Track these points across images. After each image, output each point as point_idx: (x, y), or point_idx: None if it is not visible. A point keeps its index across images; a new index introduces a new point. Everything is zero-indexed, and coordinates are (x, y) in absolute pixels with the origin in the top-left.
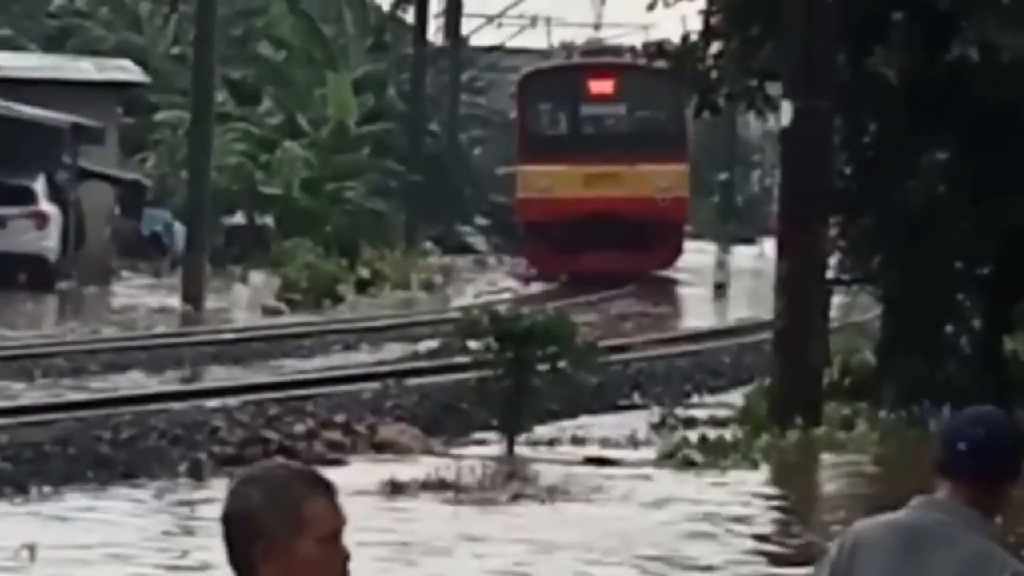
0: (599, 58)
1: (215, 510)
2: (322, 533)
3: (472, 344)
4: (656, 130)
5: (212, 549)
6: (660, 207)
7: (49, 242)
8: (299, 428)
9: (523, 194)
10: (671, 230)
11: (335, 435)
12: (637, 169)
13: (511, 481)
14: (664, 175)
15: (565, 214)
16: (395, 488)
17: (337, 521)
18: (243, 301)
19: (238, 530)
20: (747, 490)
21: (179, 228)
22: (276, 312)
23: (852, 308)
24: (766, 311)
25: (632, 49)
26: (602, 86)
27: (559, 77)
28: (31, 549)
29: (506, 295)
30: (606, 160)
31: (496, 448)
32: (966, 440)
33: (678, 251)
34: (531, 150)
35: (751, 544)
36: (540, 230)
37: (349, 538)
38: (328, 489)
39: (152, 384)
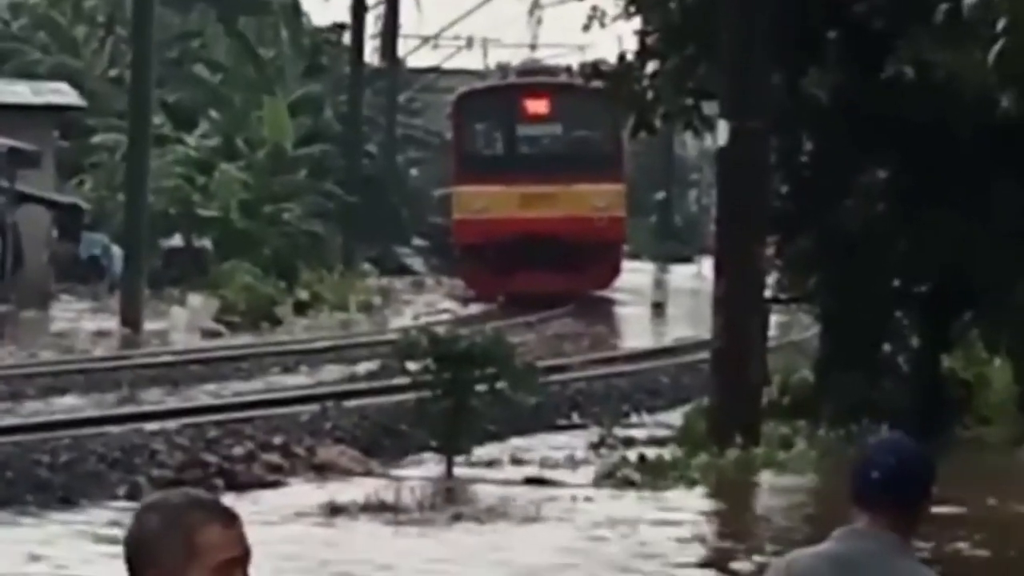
0: (534, 78)
1: None
2: (215, 562)
3: (411, 365)
4: (592, 150)
5: None
6: (597, 227)
7: None
8: (238, 451)
9: (459, 215)
10: (608, 250)
11: (274, 457)
12: (573, 189)
13: (451, 502)
14: (601, 195)
15: (501, 235)
16: (335, 510)
17: (234, 550)
18: (182, 323)
19: (135, 556)
20: (686, 510)
21: (117, 251)
22: (215, 334)
23: (791, 327)
24: (704, 331)
25: (568, 69)
26: (537, 106)
27: (494, 97)
28: None
29: (445, 316)
30: (542, 180)
31: (436, 469)
32: (879, 469)
33: (616, 271)
34: (466, 170)
35: (691, 564)
36: (476, 251)
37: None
38: (228, 517)
39: (91, 407)
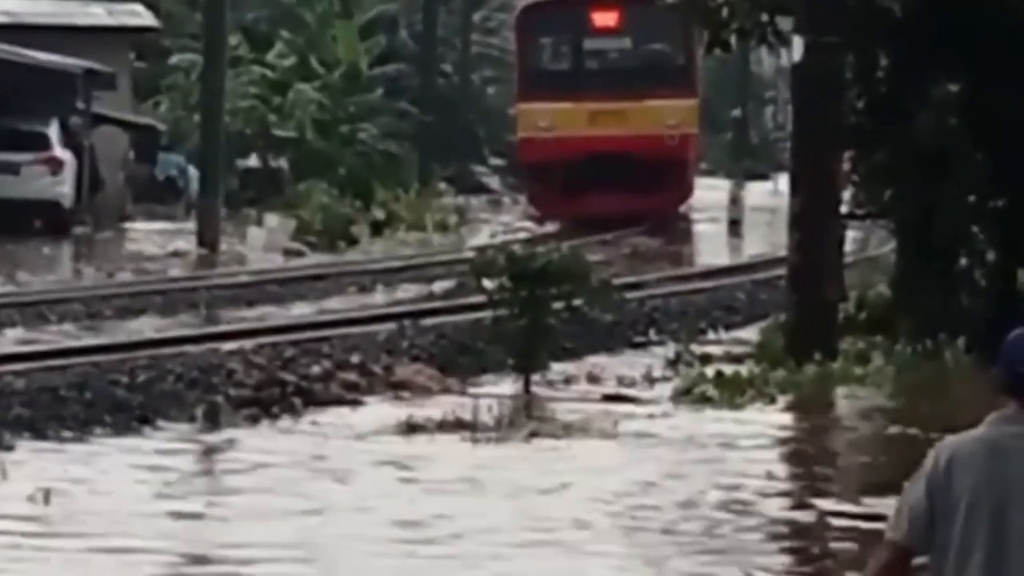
0: None
1: (234, 454)
2: None
3: (487, 283)
4: (663, 64)
5: (232, 494)
6: (668, 145)
7: (63, 188)
8: (315, 370)
9: (523, 133)
10: (681, 169)
11: (351, 376)
12: (644, 105)
13: (528, 420)
14: (672, 111)
15: (568, 154)
16: (412, 428)
17: None
18: (259, 244)
19: None
20: (765, 425)
21: (193, 172)
22: (298, 253)
23: (867, 243)
24: (781, 247)
25: None
26: (606, 18)
27: (560, 9)
28: (46, 493)
29: (521, 234)
30: (611, 96)
31: (513, 387)
32: (1022, 363)
33: (689, 191)
34: (531, 87)
35: (768, 478)
36: (542, 171)
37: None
38: None
39: (168, 327)
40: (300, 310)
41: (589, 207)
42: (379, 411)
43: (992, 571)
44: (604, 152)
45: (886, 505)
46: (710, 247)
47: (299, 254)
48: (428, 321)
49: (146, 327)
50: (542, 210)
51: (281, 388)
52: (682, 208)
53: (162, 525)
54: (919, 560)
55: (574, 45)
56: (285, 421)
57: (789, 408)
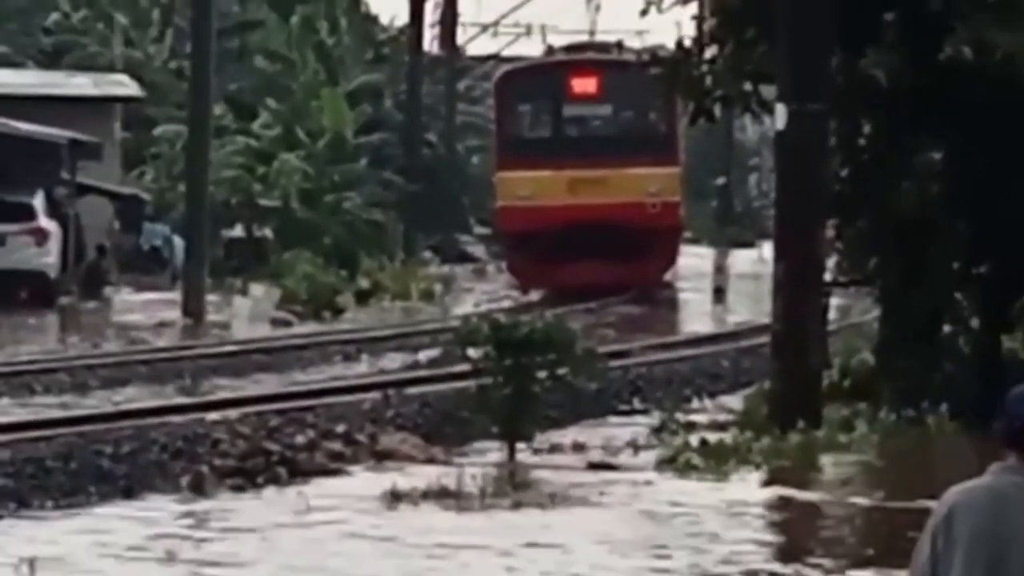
0: (582, 54)
1: (219, 523)
2: None
3: (472, 352)
4: (645, 131)
5: (218, 565)
6: (651, 213)
7: (49, 258)
8: (300, 439)
9: (503, 202)
10: (663, 238)
11: (336, 445)
12: (625, 173)
13: (513, 488)
14: (654, 179)
15: (549, 223)
16: (397, 497)
17: None
18: (244, 313)
19: None
20: (749, 494)
21: (179, 241)
22: (285, 323)
23: (850, 310)
24: (765, 315)
25: (618, 44)
26: (585, 84)
27: (539, 75)
28: (31, 564)
29: (506, 303)
30: (591, 164)
31: (498, 456)
32: (1021, 418)
33: (671, 260)
34: (510, 155)
35: (756, 546)
36: (522, 240)
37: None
38: None
39: (153, 398)
40: (285, 380)
41: (570, 277)
42: (363, 480)
43: None
44: (585, 221)
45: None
46: (695, 315)
47: (287, 324)
48: (413, 390)
49: (132, 397)
50: (522, 280)
51: (266, 458)
52: (667, 276)
53: None
54: None
55: (553, 112)
56: (270, 491)
57: (774, 476)
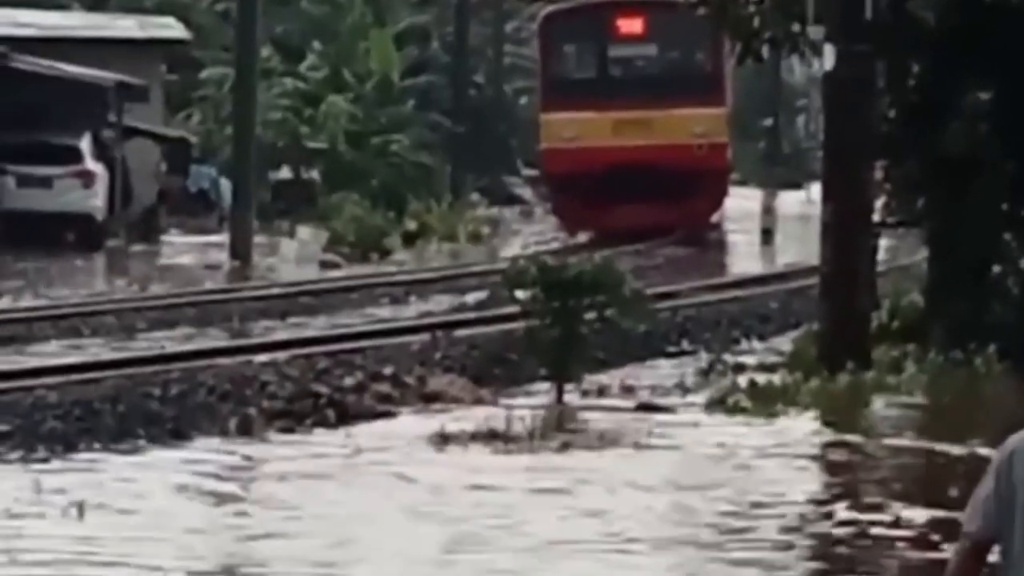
0: None
1: (267, 464)
2: None
3: (520, 294)
4: (690, 72)
5: (260, 511)
6: (697, 155)
7: (96, 201)
8: (348, 381)
9: (547, 144)
10: (710, 179)
11: (384, 387)
12: (671, 114)
13: (561, 430)
14: (701, 120)
15: (594, 165)
16: (445, 439)
17: None
18: (292, 256)
19: None
20: (798, 435)
21: (226, 184)
22: (334, 265)
23: (899, 251)
24: (813, 256)
25: None
26: (631, 25)
27: (584, 16)
28: (80, 507)
29: (554, 245)
30: (637, 105)
31: (546, 398)
32: None
33: (719, 202)
34: (555, 96)
35: (805, 487)
36: (567, 183)
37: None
38: None
39: (201, 340)
40: (333, 322)
41: (615, 220)
42: (412, 422)
43: None
44: (630, 163)
45: (924, 516)
46: (743, 256)
47: (335, 266)
48: (461, 332)
49: (179, 340)
50: (567, 223)
51: (314, 400)
52: (715, 218)
53: (193, 539)
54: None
55: (598, 53)
56: (318, 432)
57: (823, 417)
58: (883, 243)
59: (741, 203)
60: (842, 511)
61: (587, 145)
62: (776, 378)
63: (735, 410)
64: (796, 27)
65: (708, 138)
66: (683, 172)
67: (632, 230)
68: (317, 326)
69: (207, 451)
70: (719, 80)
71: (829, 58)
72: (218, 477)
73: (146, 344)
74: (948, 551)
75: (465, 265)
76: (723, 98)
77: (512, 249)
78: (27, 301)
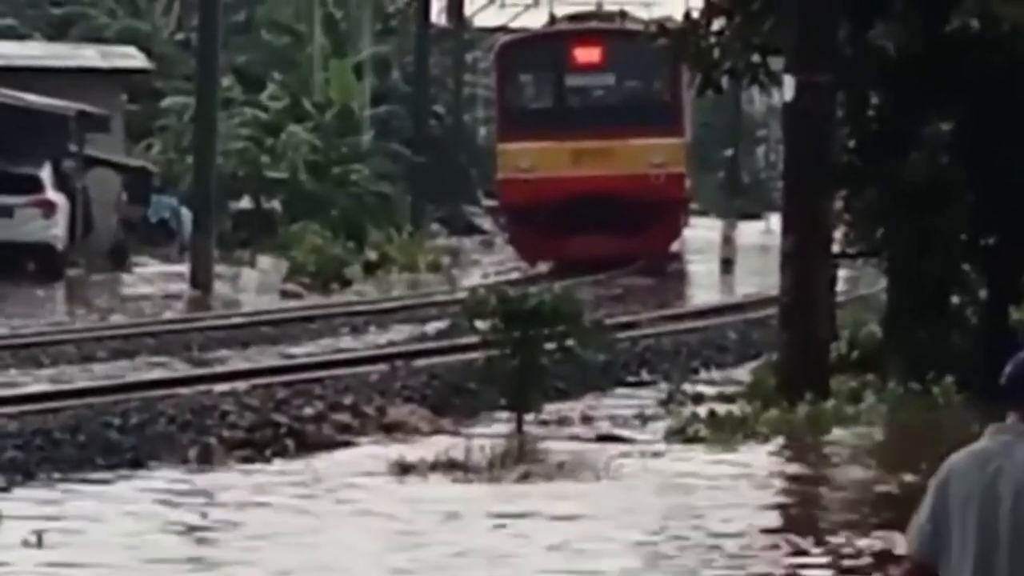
0: (585, 23)
1: (226, 494)
2: None
3: (480, 324)
4: (648, 101)
5: (221, 540)
6: (655, 185)
7: (56, 230)
8: (308, 411)
9: (504, 174)
10: (667, 210)
11: (344, 417)
12: (629, 144)
13: (520, 460)
14: (658, 150)
15: (551, 195)
16: (404, 469)
17: None
18: (252, 286)
19: None
20: (757, 465)
21: (186, 213)
22: (296, 295)
23: (858, 281)
24: (773, 286)
25: (621, 14)
26: (589, 54)
27: (541, 45)
28: (39, 536)
29: (514, 275)
30: (594, 135)
31: (506, 427)
32: (1008, 377)
33: (676, 232)
34: (511, 126)
35: (763, 517)
36: (524, 213)
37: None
38: None
39: (161, 370)
40: (293, 352)
41: (572, 250)
42: (371, 452)
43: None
44: (588, 193)
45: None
46: (702, 287)
47: (297, 296)
48: (421, 362)
49: (139, 369)
50: (524, 253)
51: (274, 429)
52: (675, 248)
53: (154, 568)
54: None
55: (555, 82)
56: (278, 463)
57: (781, 448)
58: (842, 274)
59: (701, 233)
60: (797, 540)
61: (544, 175)
62: (735, 408)
63: (694, 440)
64: (756, 58)
65: (666, 168)
66: (641, 202)
67: (590, 260)
68: (277, 356)
69: (167, 481)
70: (677, 109)
71: (789, 89)
72: (178, 506)
73: (106, 373)
74: None
75: (425, 295)
76: (681, 128)
77: (472, 279)
78: None
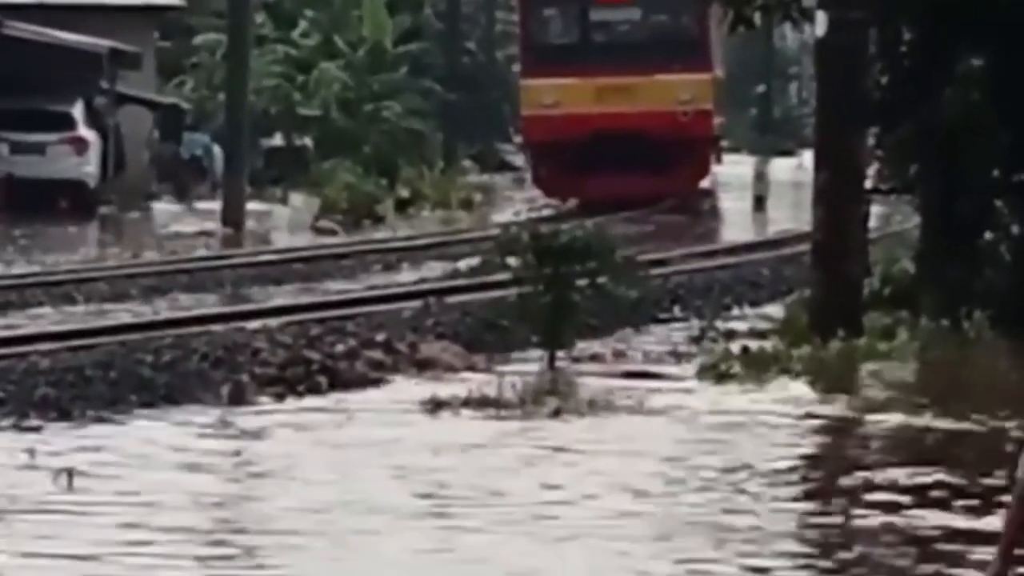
0: None
1: (261, 431)
2: None
3: (512, 261)
4: (675, 37)
5: (251, 476)
6: (682, 122)
7: (89, 167)
8: (340, 348)
9: (527, 111)
10: (695, 147)
11: (377, 354)
12: (654, 80)
13: (553, 396)
14: (685, 86)
15: (575, 132)
16: (437, 405)
17: None
18: (284, 223)
19: None
20: (791, 400)
21: (218, 151)
22: (331, 232)
23: (891, 218)
24: (805, 223)
25: None
26: None
27: None
28: (69, 474)
29: (546, 211)
30: (620, 71)
31: (538, 364)
32: None
33: (704, 170)
34: (535, 62)
35: (794, 453)
36: (548, 151)
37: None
38: None
39: (193, 307)
40: (325, 288)
41: (597, 189)
42: (404, 388)
43: None
44: (612, 130)
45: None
46: (735, 223)
47: (332, 232)
48: (453, 299)
49: (172, 306)
50: (547, 191)
51: (306, 366)
52: (707, 185)
53: (187, 506)
54: None
55: (580, 17)
56: (311, 399)
57: (815, 384)
58: (875, 210)
59: (734, 170)
60: (827, 477)
61: (568, 112)
62: (768, 345)
63: (727, 376)
64: None
65: (693, 104)
66: (667, 140)
67: (616, 199)
68: (310, 293)
69: (200, 416)
70: (704, 45)
71: (821, 25)
72: (210, 442)
73: (138, 310)
74: (927, 513)
75: (457, 232)
76: (709, 63)
77: (504, 216)
78: (20, 267)
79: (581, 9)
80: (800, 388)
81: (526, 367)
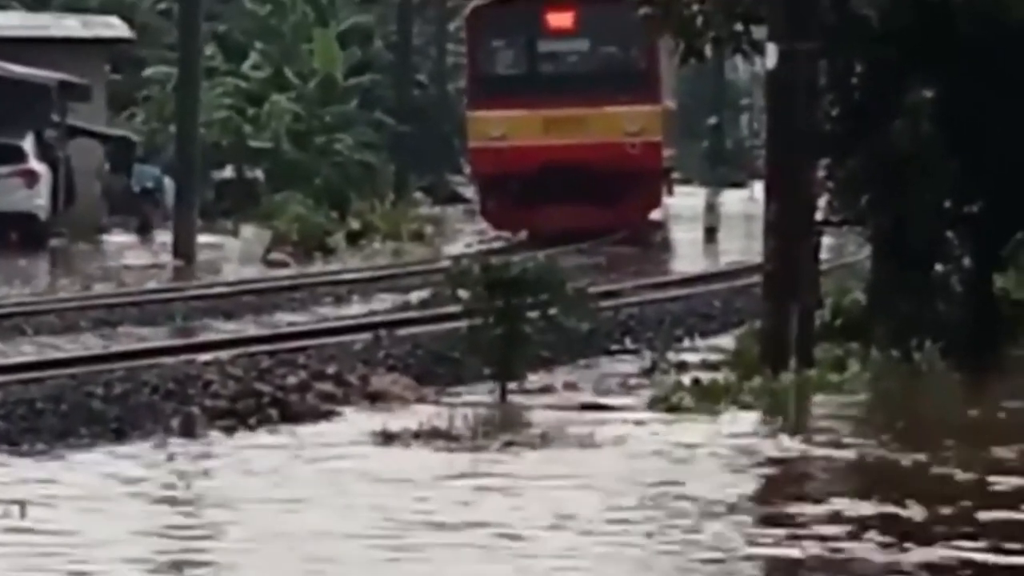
0: None
1: (209, 464)
2: None
3: (463, 293)
4: (624, 68)
5: (204, 510)
6: (630, 154)
7: (39, 200)
8: (291, 380)
9: (475, 143)
10: (644, 179)
11: (327, 386)
12: (603, 112)
13: (504, 429)
14: (634, 117)
15: (523, 164)
16: (388, 438)
17: None
18: (235, 255)
19: None
20: (741, 432)
21: (169, 183)
22: (282, 264)
23: (842, 249)
24: (756, 255)
25: None
26: (561, 19)
27: (514, 10)
28: (22, 506)
29: (497, 243)
30: (568, 103)
31: (489, 396)
32: None
33: (654, 203)
34: (482, 94)
35: (747, 485)
36: (496, 183)
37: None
38: None
39: (144, 339)
40: (276, 321)
41: (545, 221)
42: (355, 421)
43: None
44: (561, 162)
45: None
46: (686, 255)
47: (283, 264)
48: (404, 331)
49: (122, 339)
50: (495, 224)
51: (257, 399)
52: (657, 216)
53: (137, 537)
54: None
55: (527, 48)
56: (261, 432)
57: (765, 416)
58: (826, 241)
59: (685, 202)
60: (779, 509)
61: (516, 144)
62: (719, 376)
63: (678, 408)
64: (739, 26)
65: (642, 136)
66: (616, 172)
67: (564, 231)
68: (260, 325)
69: (150, 450)
70: (654, 76)
71: (772, 57)
72: (161, 476)
73: (89, 343)
74: (867, 546)
75: (408, 264)
76: (658, 95)
77: (455, 248)
78: None
79: (529, 40)
80: (751, 419)
81: (477, 399)
